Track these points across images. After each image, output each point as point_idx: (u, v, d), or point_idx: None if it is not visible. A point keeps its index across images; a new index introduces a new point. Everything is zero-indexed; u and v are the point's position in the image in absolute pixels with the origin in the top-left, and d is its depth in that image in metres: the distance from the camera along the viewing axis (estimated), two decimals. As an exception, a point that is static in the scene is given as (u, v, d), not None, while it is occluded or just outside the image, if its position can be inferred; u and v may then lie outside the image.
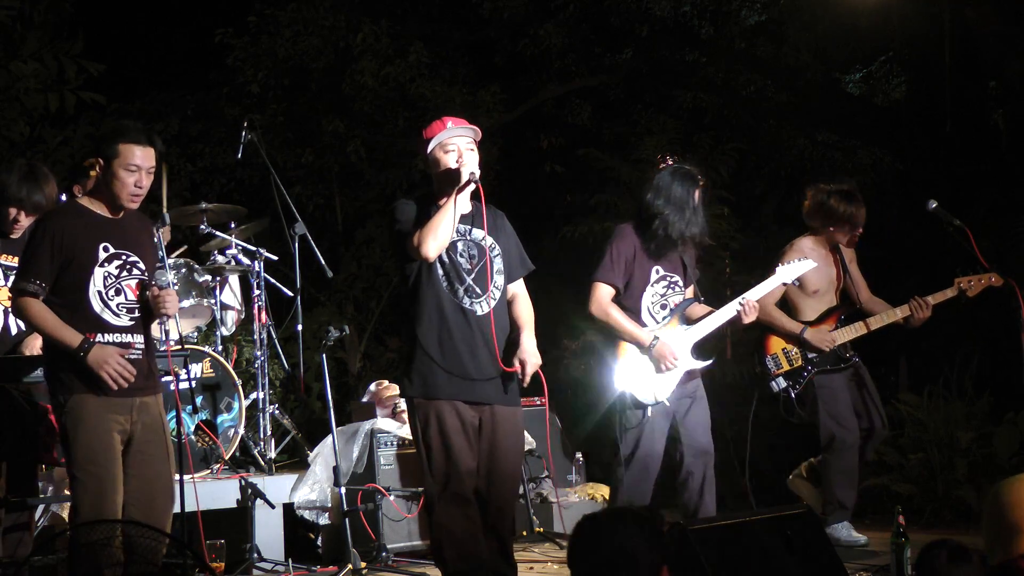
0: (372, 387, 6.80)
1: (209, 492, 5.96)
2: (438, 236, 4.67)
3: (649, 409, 5.50)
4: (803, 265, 5.79)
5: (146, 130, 4.58)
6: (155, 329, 4.82)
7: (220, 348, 6.91)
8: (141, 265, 4.56)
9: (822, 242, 6.28)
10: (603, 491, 7.00)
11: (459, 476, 4.70)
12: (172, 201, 9.34)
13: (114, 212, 4.52)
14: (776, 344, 6.24)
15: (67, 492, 4.92)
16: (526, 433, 5.63)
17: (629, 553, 2.83)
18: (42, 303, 4.38)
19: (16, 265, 4.86)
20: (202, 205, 7.01)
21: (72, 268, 4.41)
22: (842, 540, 6.00)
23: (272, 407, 6.88)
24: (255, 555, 5.82)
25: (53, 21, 8.63)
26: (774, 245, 6.24)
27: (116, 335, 4.46)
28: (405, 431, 6.23)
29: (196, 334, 7.23)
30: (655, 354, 5.50)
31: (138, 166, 4.45)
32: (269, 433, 6.75)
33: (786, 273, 5.74)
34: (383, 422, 6.46)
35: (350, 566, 5.63)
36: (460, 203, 4.75)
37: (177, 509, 4.61)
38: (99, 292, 4.45)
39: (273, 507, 6.01)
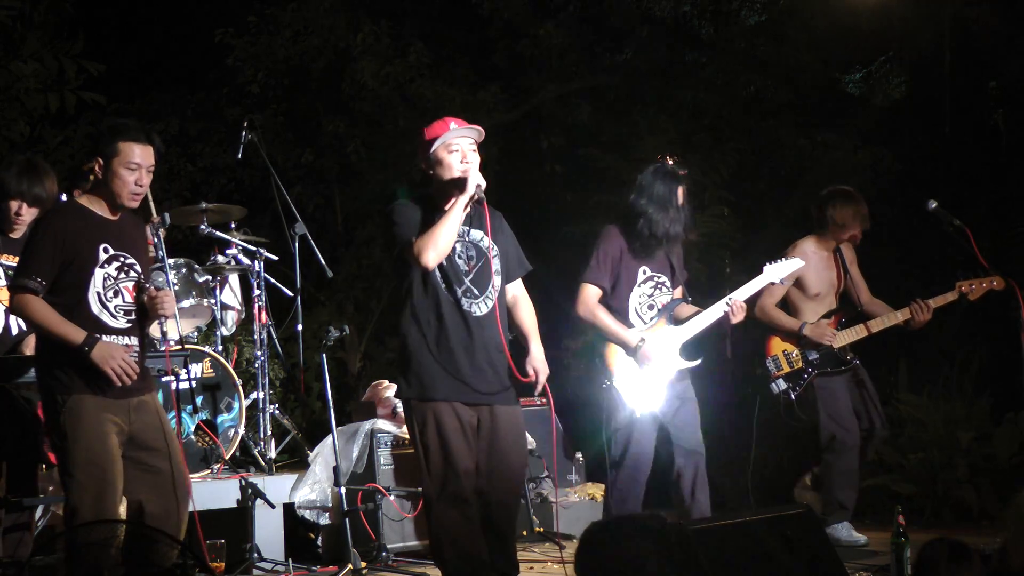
0: (371, 388, 6.81)
1: (209, 492, 5.97)
2: (439, 246, 4.66)
3: (637, 411, 5.50)
4: (791, 264, 5.79)
5: (145, 128, 4.58)
6: (155, 329, 4.83)
7: (220, 348, 6.91)
8: (138, 267, 4.56)
9: (825, 244, 6.29)
10: (603, 491, 7.00)
11: (457, 477, 4.70)
12: (172, 201, 9.37)
13: (113, 212, 4.52)
14: (777, 346, 6.25)
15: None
16: (527, 433, 5.63)
17: (638, 562, 2.82)
18: (42, 300, 4.37)
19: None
20: (202, 205, 7.01)
21: (72, 268, 4.40)
22: (842, 540, 6.01)
23: (272, 407, 6.88)
24: (255, 555, 5.82)
25: (53, 21, 8.63)
26: (774, 245, 6.24)
27: (113, 337, 4.45)
28: (405, 431, 6.23)
29: (196, 334, 7.23)
30: (641, 356, 5.51)
31: (138, 164, 4.45)
32: (269, 433, 6.75)
33: (774, 272, 5.74)
34: (383, 422, 6.46)
35: (350, 566, 5.63)
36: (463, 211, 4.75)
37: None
38: (98, 293, 4.44)
39: (273, 507, 6.01)
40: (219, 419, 6.61)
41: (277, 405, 7.10)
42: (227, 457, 6.51)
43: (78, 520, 4.27)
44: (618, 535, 2.87)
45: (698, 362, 5.64)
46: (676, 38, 10.68)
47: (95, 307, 4.43)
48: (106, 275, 4.46)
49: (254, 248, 6.97)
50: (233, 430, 6.62)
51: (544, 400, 6.60)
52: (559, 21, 10.13)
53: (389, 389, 6.64)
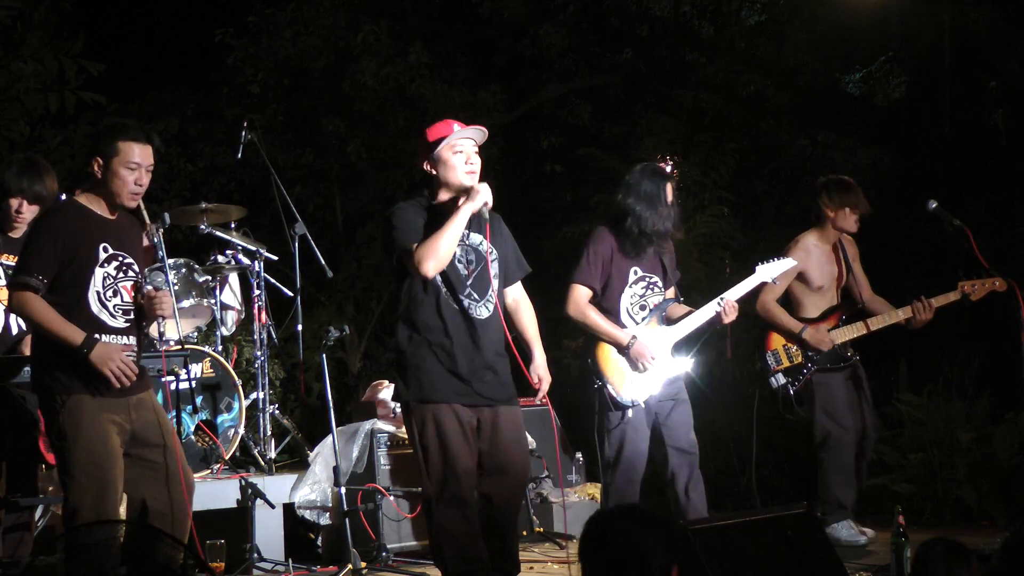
0: (371, 388, 6.81)
1: (209, 492, 5.97)
2: (439, 255, 4.67)
3: (629, 410, 5.51)
4: (783, 264, 5.79)
5: (144, 128, 4.58)
6: (153, 329, 4.82)
7: (220, 348, 6.91)
8: (136, 267, 4.57)
9: (826, 237, 6.29)
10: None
11: (457, 478, 4.70)
12: (172, 201, 9.38)
13: (112, 212, 4.52)
14: (776, 340, 6.25)
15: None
16: (527, 434, 5.64)
17: (641, 552, 2.82)
18: (42, 299, 4.35)
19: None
20: (202, 205, 7.01)
21: (72, 267, 4.39)
22: (842, 540, 6.00)
23: (272, 407, 6.88)
24: (255, 555, 5.82)
25: (53, 21, 8.63)
26: (774, 245, 6.24)
27: (112, 336, 4.44)
28: (404, 431, 6.23)
29: (196, 334, 7.22)
30: (632, 354, 5.50)
31: (138, 163, 4.45)
32: (269, 433, 6.75)
33: (766, 272, 5.74)
34: (383, 422, 6.46)
35: (350, 566, 5.63)
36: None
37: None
38: (98, 292, 4.44)
39: (273, 507, 6.01)
40: (219, 419, 6.62)
41: (277, 405, 7.10)
42: (227, 457, 6.51)
43: (79, 521, 4.25)
44: (622, 526, 2.87)
45: (691, 362, 5.64)
46: (676, 38, 10.69)
47: (95, 306, 4.42)
48: (106, 274, 4.46)
49: (254, 248, 6.97)
50: (233, 430, 6.62)
51: (545, 400, 6.59)
52: (559, 21, 10.13)
53: (387, 390, 6.64)
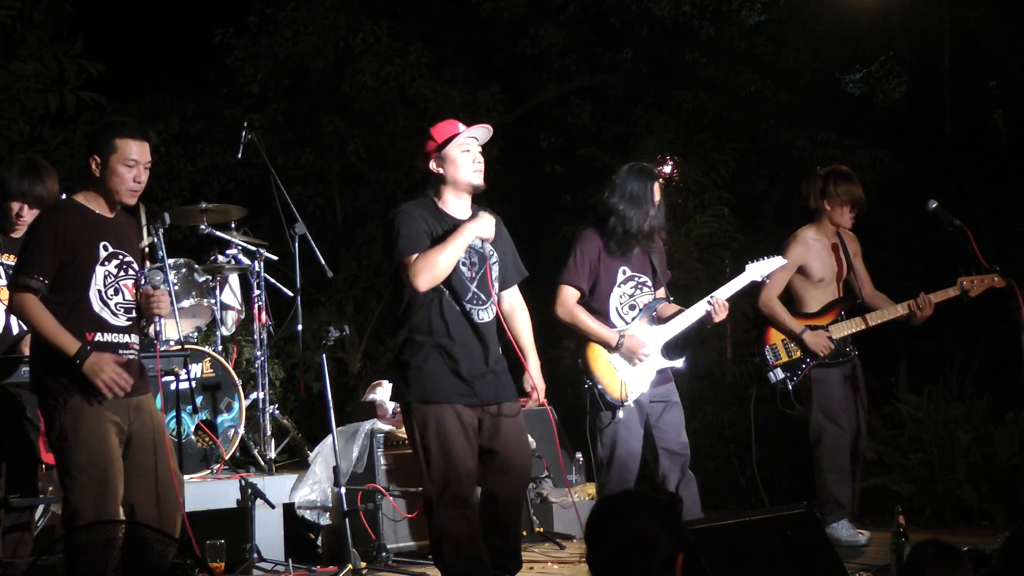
0: (370, 387, 6.81)
1: (209, 492, 5.97)
2: (435, 272, 4.68)
3: (620, 410, 5.51)
4: (772, 263, 5.78)
5: (141, 125, 4.57)
6: (151, 330, 4.82)
7: (220, 348, 6.91)
8: (135, 265, 4.56)
9: (823, 231, 6.28)
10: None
11: (458, 479, 4.70)
12: (172, 201, 9.38)
13: (111, 210, 4.52)
14: (776, 335, 6.24)
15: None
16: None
17: (646, 538, 2.81)
18: (41, 303, 4.34)
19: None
20: (202, 205, 7.01)
21: (73, 266, 4.38)
22: (842, 540, 5.99)
23: (272, 407, 6.87)
24: (255, 555, 5.82)
25: (53, 21, 8.62)
26: (774, 245, 6.24)
27: (114, 335, 4.44)
28: (403, 431, 6.22)
29: (196, 334, 7.22)
30: (625, 350, 5.51)
31: (136, 161, 4.44)
32: (269, 433, 6.75)
33: (755, 271, 5.74)
34: (383, 422, 6.46)
35: (350, 566, 5.63)
36: (464, 221, 4.79)
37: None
38: (99, 291, 4.43)
39: (273, 507, 6.01)
40: (219, 419, 6.61)
41: (277, 405, 7.10)
42: (227, 457, 6.51)
43: (80, 522, 4.24)
44: (627, 512, 2.86)
45: (681, 362, 5.64)
46: (676, 38, 10.69)
47: (96, 305, 4.42)
48: (106, 273, 4.45)
49: (254, 248, 6.97)
50: (233, 430, 6.62)
51: (543, 400, 6.58)
52: (559, 21, 10.13)
53: (381, 389, 6.64)
